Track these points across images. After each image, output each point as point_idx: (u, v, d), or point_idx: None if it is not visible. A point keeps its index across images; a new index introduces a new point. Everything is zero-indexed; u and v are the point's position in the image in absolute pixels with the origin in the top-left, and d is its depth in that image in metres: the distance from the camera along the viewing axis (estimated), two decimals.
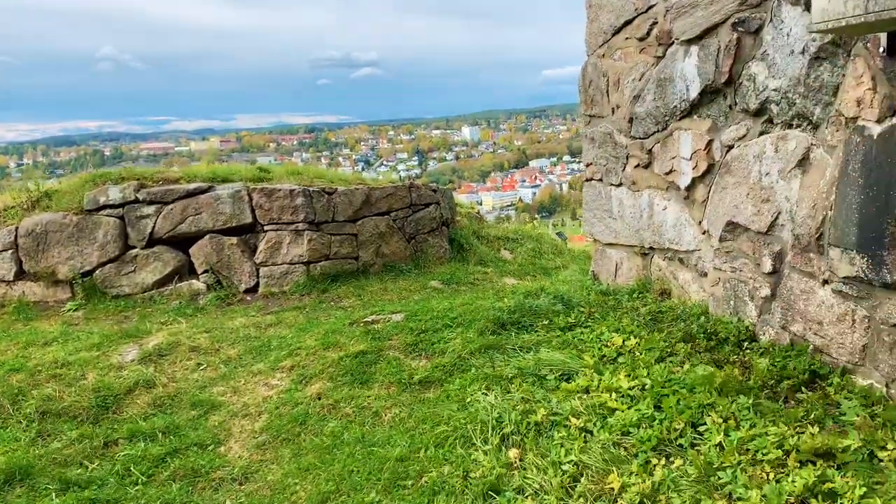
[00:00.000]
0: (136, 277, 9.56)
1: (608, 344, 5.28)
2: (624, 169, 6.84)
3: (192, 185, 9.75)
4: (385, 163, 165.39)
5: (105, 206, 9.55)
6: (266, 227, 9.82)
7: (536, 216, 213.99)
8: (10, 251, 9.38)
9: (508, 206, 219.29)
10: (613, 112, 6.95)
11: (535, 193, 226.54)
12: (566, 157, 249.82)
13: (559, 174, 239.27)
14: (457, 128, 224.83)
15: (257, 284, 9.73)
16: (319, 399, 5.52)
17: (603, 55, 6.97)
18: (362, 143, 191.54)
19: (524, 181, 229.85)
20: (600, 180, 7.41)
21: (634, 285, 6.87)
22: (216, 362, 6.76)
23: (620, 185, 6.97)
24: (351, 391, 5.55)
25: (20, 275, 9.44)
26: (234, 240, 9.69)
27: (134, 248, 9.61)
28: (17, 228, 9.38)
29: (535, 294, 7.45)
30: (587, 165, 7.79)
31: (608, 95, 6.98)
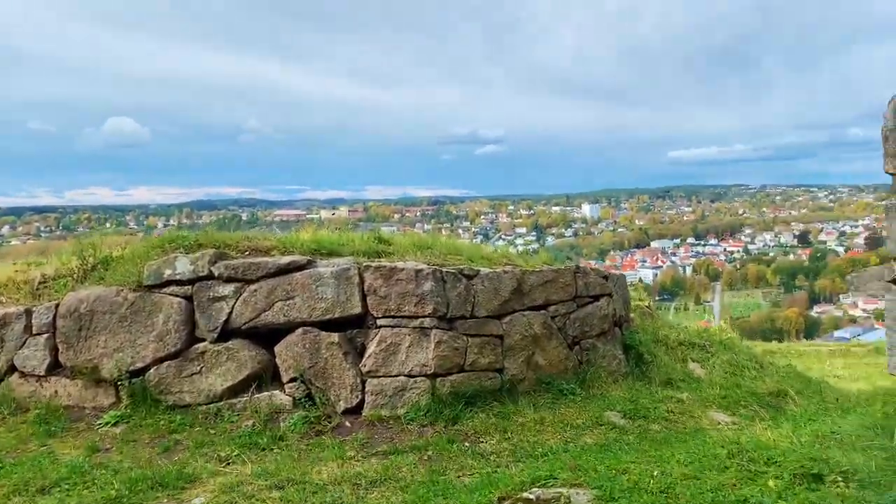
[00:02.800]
0: (202, 382, 6.96)
1: None
2: None
3: (286, 259, 7.16)
4: (503, 236, 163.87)
5: (170, 282, 7.12)
6: (379, 322, 7.01)
7: (657, 297, 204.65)
8: (45, 335, 7.08)
9: (629, 286, 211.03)
10: None
11: (656, 275, 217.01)
12: (690, 240, 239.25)
13: (682, 256, 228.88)
14: (576, 205, 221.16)
15: (361, 402, 6.86)
16: None
17: None
18: (482, 217, 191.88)
19: (645, 261, 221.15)
20: None
21: None
22: None
23: None
24: None
25: (54, 368, 7.09)
26: (335, 337, 6.93)
27: (202, 340, 7.07)
28: (57, 305, 7.10)
29: (817, 478, 4.19)
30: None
31: None
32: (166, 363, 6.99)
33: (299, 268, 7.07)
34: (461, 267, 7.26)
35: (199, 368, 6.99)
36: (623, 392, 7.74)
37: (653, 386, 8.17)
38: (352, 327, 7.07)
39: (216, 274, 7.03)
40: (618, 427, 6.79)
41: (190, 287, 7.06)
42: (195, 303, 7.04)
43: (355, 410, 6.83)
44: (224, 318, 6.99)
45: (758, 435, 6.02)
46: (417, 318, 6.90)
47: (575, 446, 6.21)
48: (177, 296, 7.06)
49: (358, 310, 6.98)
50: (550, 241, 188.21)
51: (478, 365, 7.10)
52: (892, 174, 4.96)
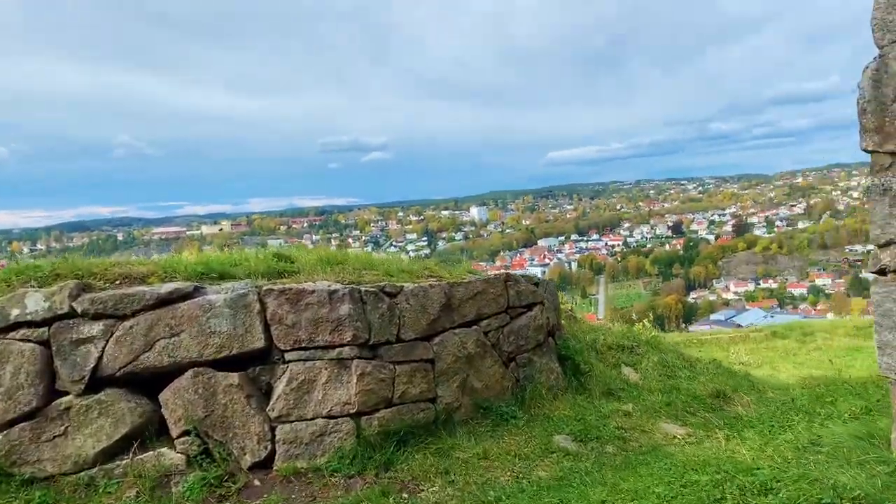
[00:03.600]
0: (68, 446, 5.55)
1: None
2: None
3: (168, 287, 5.86)
4: (394, 243, 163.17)
5: (19, 325, 5.64)
6: (288, 356, 5.86)
7: None
8: None
9: None
10: None
11: (544, 272, 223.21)
12: (574, 236, 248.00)
13: (567, 252, 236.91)
14: (465, 208, 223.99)
15: (273, 454, 5.68)
16: None
17: None
18: (372, 225, 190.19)
19: (533, 260, 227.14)
20: None
21: None
22: None
23: None
24: None
25: None
26: (235, 378, 5.72)
27: (65, 394, 5.66)
28: None
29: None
30: (882, 245, 4.02)
31: None
32: (19, 426, 5.53)
33: (185, 296, 5.80)
34: (381, 283, 6.24)
35: (62, 429, 5.57)
36: (567, 409, 6.98)
37: (594, 399, 7.48)
38: (255, 364, 5.87)
39: (79, 310, 5.64)
40: (571, 453, 5.99)
41: (46, 329, 5.62)
42: (54, 348, 5.61)
43: (265, 464, 5.65)
44: (93, 365, 5.61)
45: (729, 452, 5.39)
46: (334, 347, 5.82)
47: (529, 482, 5.36)
48: (29, 340, 5.61)
49: (261, 343, 5.80)
50: (441, 245, 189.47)
51: (408, 396, 6.10)
52: (870, 151, 4.42)
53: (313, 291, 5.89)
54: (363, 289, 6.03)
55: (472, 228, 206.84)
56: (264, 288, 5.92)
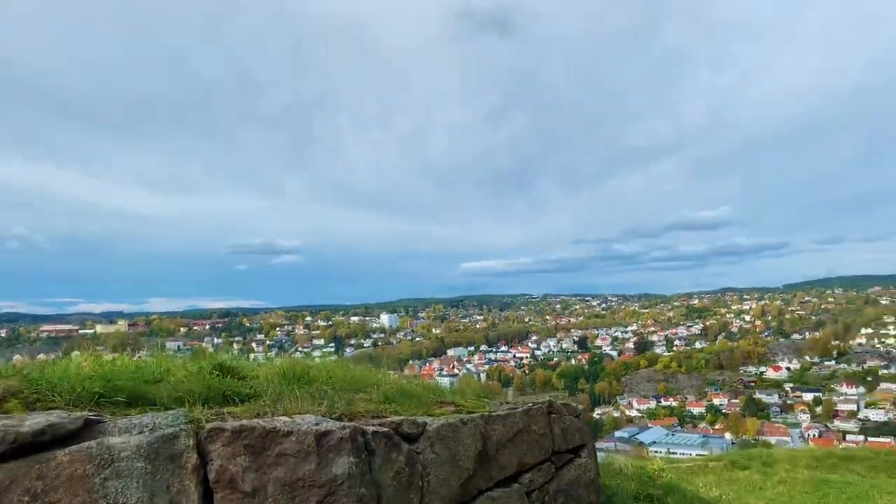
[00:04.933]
0: None
1: None
2: None
3: (38, 420, 3.32)
4: (300, 349, 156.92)
5: None
6: None
7: None
8: None
9: None
10: None
11: (453, 382, 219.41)
12: (483, 347, 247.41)
13: (477, 363, 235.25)
14: (376, 315, 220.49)
15: None
16: None
17: None
18: (278, 329, 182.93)
19: (442, 370, 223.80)
20: None
21: None
22: None
23: None
24: None
25: None
26: None
27: None
28: None
29: None
30: None
31: None
32: None
33: (66, 438, 3.34)
34: (394, 421, 3.96)
35: None
36: None
37: None
38: None
39: None
40: None
41: None
42: None
43: None
44: None
45: None
46: None
47: None
48: None
49: None
50: (349, 351, 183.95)
51: None
52: None
53: (290, 434, 3.54)
54: (369, 429, 3.74)
55: (382, 335, 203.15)
56: (207, 427, 3.53)
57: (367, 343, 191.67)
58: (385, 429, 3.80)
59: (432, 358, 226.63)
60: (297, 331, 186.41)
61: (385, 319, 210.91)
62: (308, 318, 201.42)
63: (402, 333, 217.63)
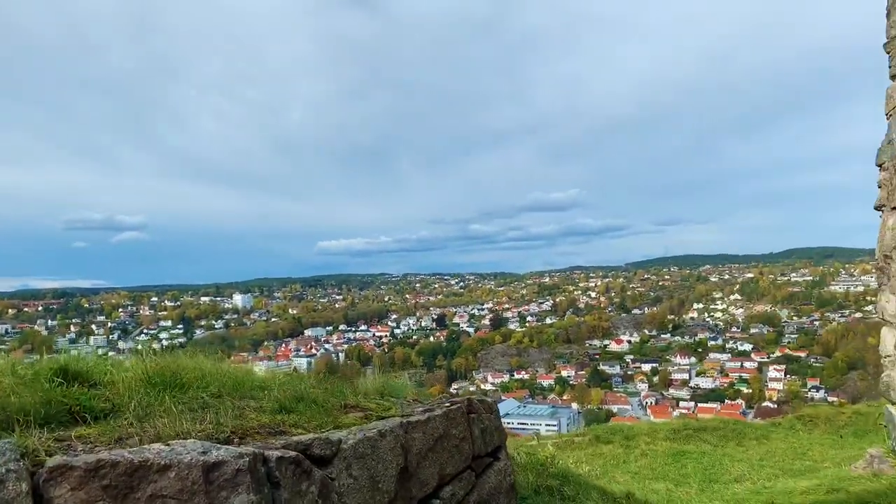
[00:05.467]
0: None
1: None
2: None
3: None
4: (146, 331, 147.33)
5: None
6: None
7: None
8: None
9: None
10: None
11: (311, 363, 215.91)
12: (342, 326, 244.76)
13: (335, 343, 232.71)
14: (228, 295, 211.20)
15: None
16: None
17: None
18: (121, 310, 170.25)
19: (299, 350, 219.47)
20: None
21: None
22: None
23: None
24: None
25: None
26: None
27: None
28: None
29: None
30: None
31: None
32: None
33: None
34: (304, 441, 3.15)
35: None
36: None
37: None
38: None
39: None
40: None
41: None
42: None
43: None
44: None
45: None
46: None
47: None
48: None
49: None
50: (200, 333, 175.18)
51: None
52: None
53: (167, 468, 2.66)
54: (272, 455, 2.92)
55: (235, 316, 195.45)
56: (49, 464, 2.57)
57: (219, 324, 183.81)
58: (292, 452, 2.99)
59: (288, 339, 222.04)
60: (141, 312, 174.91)
61: (238, 299, 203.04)
62: (154, 299, 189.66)
63: (257, 314, 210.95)
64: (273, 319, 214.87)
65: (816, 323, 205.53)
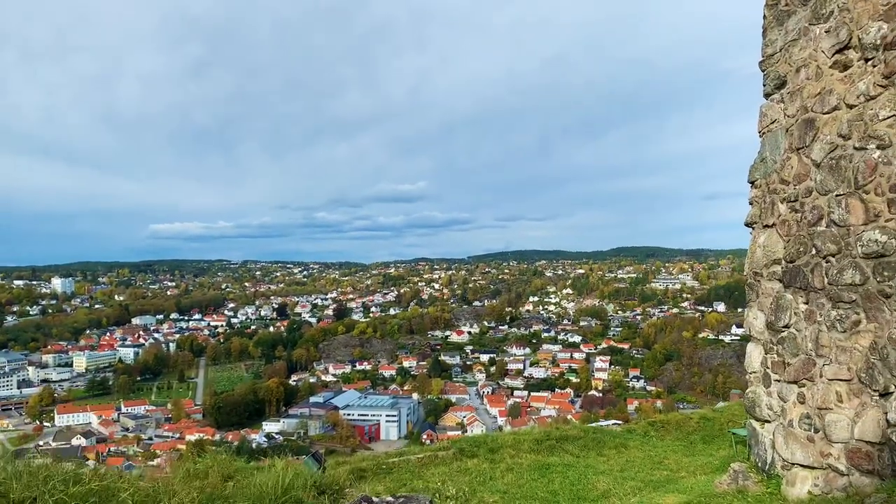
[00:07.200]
0: None
1: None
2: None
3: None
4: None
5: None
6: None
7: (139, 378, 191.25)
8: None
9: (106, 367, 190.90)
10: None
11: (138, 353, 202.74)
12: (174, 315, 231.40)
13: (166, 332, 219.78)
14: (46, 279, 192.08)
15: None
16: None
17: None
18: None
19: (126, 339, 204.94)
20: None
21: None
22: None
23: None
24: None
25: None
26: None
27: None
28: None
29: None
30: None
31: None
32: None
33: None
34: None
35: None
36: None
37: None
38: None
39: None
40: None
41: None
42: None
43: None
44: None
45: None
46: None
47: None
48: None
49: None
50: (12, 320, 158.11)
51: None
52: None
53: None
54: None
55: (54, 302, 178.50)
56: None
57: (35, 311, 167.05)
58: None
59: (114, 327, 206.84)
60: None
61: (57, 284, 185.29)
62: None
63: (79, 300, 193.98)
64: (97, 306, 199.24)
65: (639, 318, 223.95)
